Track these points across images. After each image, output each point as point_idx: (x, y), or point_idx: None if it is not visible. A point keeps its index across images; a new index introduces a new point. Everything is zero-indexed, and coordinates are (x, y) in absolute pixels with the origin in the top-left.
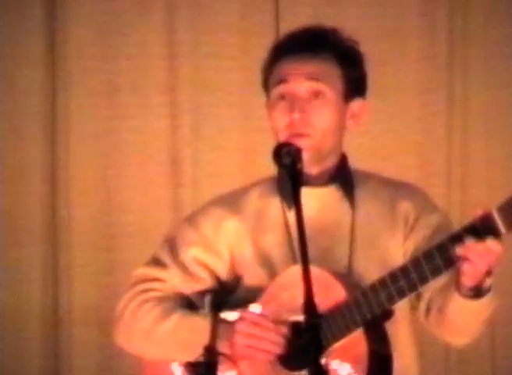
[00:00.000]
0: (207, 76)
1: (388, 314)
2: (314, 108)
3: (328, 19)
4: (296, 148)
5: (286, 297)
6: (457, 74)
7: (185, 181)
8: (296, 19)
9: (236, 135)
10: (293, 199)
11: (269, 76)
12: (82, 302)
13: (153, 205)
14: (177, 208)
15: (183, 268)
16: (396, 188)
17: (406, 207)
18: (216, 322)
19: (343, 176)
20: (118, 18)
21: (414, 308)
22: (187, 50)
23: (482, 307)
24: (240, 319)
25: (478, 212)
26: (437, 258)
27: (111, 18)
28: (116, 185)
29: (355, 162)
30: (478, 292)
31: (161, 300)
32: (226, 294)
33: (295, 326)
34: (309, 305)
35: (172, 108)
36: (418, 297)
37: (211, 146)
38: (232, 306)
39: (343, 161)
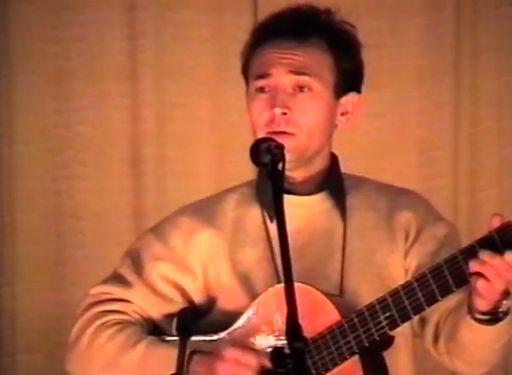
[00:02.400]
0: (173, 60)
1: (387, 341)
2: (299, 103)
3: None
4: (278, 145)
5: (267, 320)
6: (465, 58)
7: (148, 183)
8: None
9: (208, 129)
10: (274, 207)
11: (249, 62)
12: (26, 324)
13: (111, 210)
14: (139, 214)
15: (150, 287)
16: (394, 196)
17: (406, 218)
18: (184, 352)
19: (332, 183)
20: None
21: (417, 335)
22: (150, 30)
23: (500, 333)
24: (221, 359)
25: (495, 222)
26: (447, 275)
27: None
28: (68, 188)
29: (347, 164)
30: (494, 316)
31: (123, 325)
32: (197, 315)
33: (277, 352)
34: (292, 328)
35: (132, 98)
36: (424, 321)
37: (178, 142)
38: (205, 331)
39: (332, 164)
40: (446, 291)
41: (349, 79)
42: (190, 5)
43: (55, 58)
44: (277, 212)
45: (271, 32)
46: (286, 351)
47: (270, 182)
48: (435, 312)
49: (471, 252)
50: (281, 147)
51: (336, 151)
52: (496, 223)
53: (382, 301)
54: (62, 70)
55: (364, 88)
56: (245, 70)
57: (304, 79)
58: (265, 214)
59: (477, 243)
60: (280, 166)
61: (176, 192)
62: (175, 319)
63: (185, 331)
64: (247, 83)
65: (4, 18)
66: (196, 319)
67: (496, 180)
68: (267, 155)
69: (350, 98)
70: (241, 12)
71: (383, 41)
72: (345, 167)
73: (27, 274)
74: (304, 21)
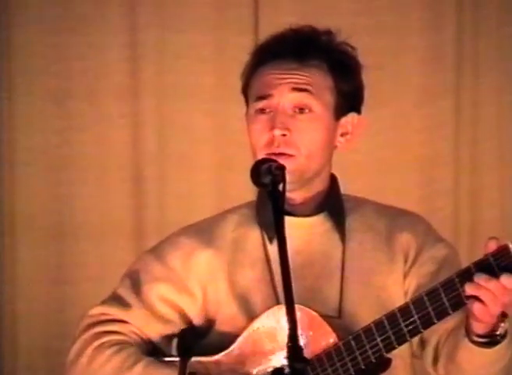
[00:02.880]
0: (174, 80)
1: (385, 363)
2: (299, 124)
3: (315, 13)
4: (279, 166)
5: (266, 341)
6: (466, 78)
7: (149, 202)
8: (278, 15)
9: (209, 149)
10: (274, 228)
11: (250, 83)
12: (28, 343)
13: (112, 229)
14: (140, 233)
15: (148, 308)
16: (393, 217)
17: (405, 239)
18: (185, 373)
19: (332, 204)
20: (70, 12)
21: (417, 356)
22: (151, 50)
23: (498, 356)
24: None
25: (492, 245)
26: (443, 298)
27: (62, 12)
28: (69, 207)
29: (348, 182)
30: (491, 339)
31: (122, 346)
32: (198, 336)
33: (278, 373)
34: (294, 349)
35: (134, 117)
36: (423, 343)
37: (179, 162)
38: (203, 352)
39: (332, 186)
40: (442, 314)
41: (349, 100)
42: (190, 26)
43: (57, 78)
44: (278, 233)
45: (271, 53)
46: (287, 371)
47: (270, 203)
48: (434, 334)
49: (467, 275)
50: (282, 168)
51: (336, 171)
52: (493, 246)
53: (378, 323)
54: (63, 90)
55: (364, 108)
56: (245, 91)
57: (305, 96)
58: (265, 235)
59: (473, 266)
60: (281, 186)
61: (177, 212)
62: (175, 340)
63: (185, 352)
64: (247, 103)
65: (7, 38)
66: (196, 340)
67: (497, 199)
68: (268, 176)
69: (349, 119)
70: (242, 31)
71: (384, 61)
72: (346, 187)
73: (28, 293)
74: (304, 42)
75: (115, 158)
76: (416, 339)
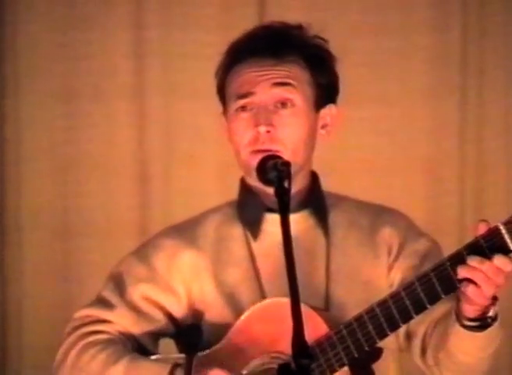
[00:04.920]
0: (180, 79)
1: (377, 353)
2: (282, 119)
3: (320, 12)
4: (284, 162)
5: (259, 334)
6: (472, 77)
7: (155, 201)
8: (284, 14)
9: (214, 148)
10: (281, 224)
11: (226, 82)
12: (33, 341)
13: (117, 228)
14: (145, 231)
15: (132, 307)
16: (375, 213)
17: (388, 234)
18: (190, 370)
19: (314, 200)
20: (76, 11)
21: (403, 349)
22: (157, 49)
23: (488, 340)
24: None
25: (482, 228)
26: (435, 282)
27: (68, 11)
28: (75, 205)
29: (354, 180)
30: (482, 322)
31: (106, 344)
32: (201, 334)
33: (284, 368)
34: (299, 344)
35: (139, 116)
36: (410, 335)
37: (184, 160)
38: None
39: (313, 182)
40: (434, 298)
41: (326, 92)
42: (196, 24)
43: (63, 77)
44: (284, 229)
45: (246, 51)
46: (292, 367)
47: (252, 201)
48: (421, 325)
49: (458, 259)
50: (287, 164)
51: (341, 169)
52: (483, 228)
53: (370, 311)
54: (69, 89)
55: (369, 106)
56: (221, 90)
57: (289, 90)
58: (248, 233)
59: (464, 249)
60: (286, 183)
61: (183, 210)
62: (180, 338)
63: (190, 349)
64: (223, 102)
65: (12, 37)
66: (201, 337)
67: (503, 198)
68: (273, 172)
69: (327, 111)
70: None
71: (390, 60)
72: (352, 185)
73: (34, 291)
74: (279, 38)
75: (120, 156)
76: (402, 332)
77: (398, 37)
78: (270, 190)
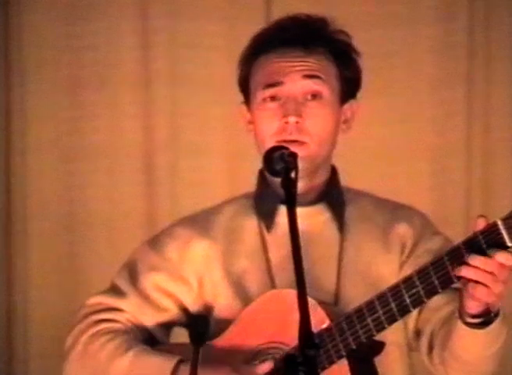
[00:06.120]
0: (186, 69)
1: (377, 347)
2: (310, 111)
3: (327, 3)
4: (291, 153)
5: (263, 324)
6: (478, 67)
7: (161, 191)
8: (290, 4)
9: (221, 138)
10: (287, 216)
11: (250, 73)
12: (39, 331)
13: (123, 218)
14: (152, 222)
15: (144, 296)
16: (391, 210)
17: (403, 231)
18: (197, 362)
19: (332, 195)
20: (81, 1)
21: (413, 348)
22: (163, 39)
23: (491, 337)
24: None
25: (480, 223)
26: (432, 277)
27: (73, 1)
28: (80, 196)
29: (360, 170)
30: (485, 318)
31: (116, 333)
32: (209, 324)
33: (290, 359)
34: (305, 335)
35: (145, 106)
36: (418, 333)
37: (190, 150)
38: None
39: (332, 176)
40: (431, 293)
41: (350, 87)
42: (202, 14)
43: (69, 68)
44: (290, 221)
45: (276, 41)
46: (298, 357)
47: (269, 192)
48: (428, 324)
49: (456, 254)
50: (294, 155)
51: (348, 159)
52: (481, 224)
53: (369, 303)
54: (75, 79)
55: (377, 97)
56: (246, 80)
57: (318, 82)
58: (262, 225)
59: (462, 244)
60: (293, 174)
61: (189, 200)
62: (187, 328)
63: (198, 339)
64: (247, 92)
65: (18, 27)
66: (208, 327)
67: (509, 189)
68: (280, 163)
69: (349, 106)
70: (254, 20)
71: (396, 50)
72: (357, 175)
73: (40, 282)
74: (308, 30)
75: (126, 147)
76: (411, 329)
77: (404, 28)
78: None
